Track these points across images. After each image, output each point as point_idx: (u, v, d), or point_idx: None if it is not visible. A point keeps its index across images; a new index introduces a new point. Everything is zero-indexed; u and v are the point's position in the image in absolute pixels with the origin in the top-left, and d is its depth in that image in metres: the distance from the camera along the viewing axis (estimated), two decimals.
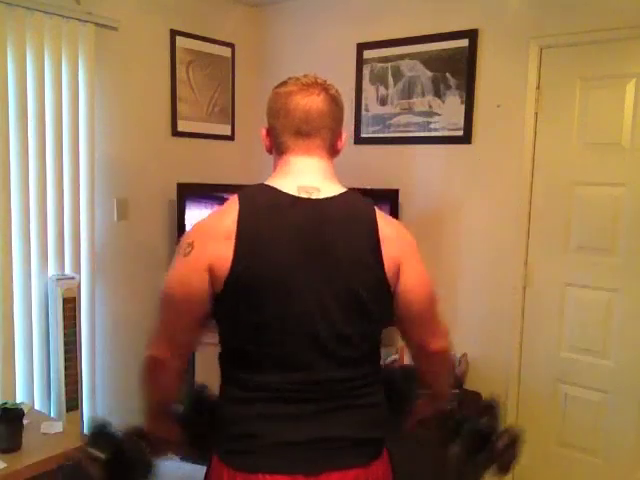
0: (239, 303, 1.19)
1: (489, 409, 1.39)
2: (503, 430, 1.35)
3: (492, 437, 1.33)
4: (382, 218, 1.26)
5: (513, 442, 1.34)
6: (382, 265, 1.21)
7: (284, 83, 1.27)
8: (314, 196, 1.21)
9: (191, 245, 1.19)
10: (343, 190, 1.26)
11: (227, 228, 1.17)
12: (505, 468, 1.33)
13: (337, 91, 1.29)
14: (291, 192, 1.21)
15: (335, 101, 1.26)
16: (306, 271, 1.18)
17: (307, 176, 1.24)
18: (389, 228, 1.26)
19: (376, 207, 1.27)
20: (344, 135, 1.32)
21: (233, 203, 1.21)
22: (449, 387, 1.48)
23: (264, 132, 1.30)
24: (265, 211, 1.20)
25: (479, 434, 1.34)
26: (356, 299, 1.21)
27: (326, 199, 1.22)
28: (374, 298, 1.23)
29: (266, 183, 1.25)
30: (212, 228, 1.20)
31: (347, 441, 1.22)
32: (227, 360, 1.27)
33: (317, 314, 1.19)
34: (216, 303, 1.21)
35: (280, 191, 1.21)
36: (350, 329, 1.21)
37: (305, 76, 1.26)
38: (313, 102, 1.22)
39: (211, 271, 1.17)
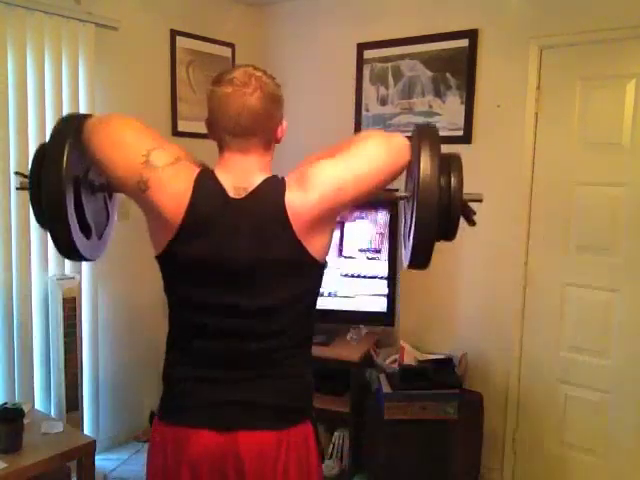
0: (174, 275, 1.33)
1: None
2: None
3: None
4: (290, 186, 1.28)
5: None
6: (296, 238, 1.26)
7: (220, 80, 1.28)
8: (241, 195, 1.28)
9: (148, 178, 1.36)
10: (263, 179, 1.30)
11: (181, 195, 1.26)
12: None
13: (275, 84, 1.30)
14: (228, 190, 1.28)
15: (272, 98, 1.29)
16: (228, 249, 1.27)
17: (241, 175, 1.30)
18: (297, 194, 1.27)
19: (287, 176, 1.31)
20: (284, 124, 1.35)
21: (191, 174, 1.28)
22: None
23: (206, 124, 1.36)
24: (208, 199, 1.27)
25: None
26: (274, 272, 1.29)
27: (247, 196, 1.28)
28: (292, 270, 1.31)
29: (214, 172, 1.31)
30: (169, 182, 1.29)
31: (266, 407, 1.33)
32: (170, 326, 1.40)
33: (237, 287, 1.29)
34: (159, 263, 1.34)
35: (222, 186, 1.28)
36: (269, 301, 1.30)
37: (245, 71, 1.27)
38: (247, 104, 1.26)
39: (158, 219, 1.33)
